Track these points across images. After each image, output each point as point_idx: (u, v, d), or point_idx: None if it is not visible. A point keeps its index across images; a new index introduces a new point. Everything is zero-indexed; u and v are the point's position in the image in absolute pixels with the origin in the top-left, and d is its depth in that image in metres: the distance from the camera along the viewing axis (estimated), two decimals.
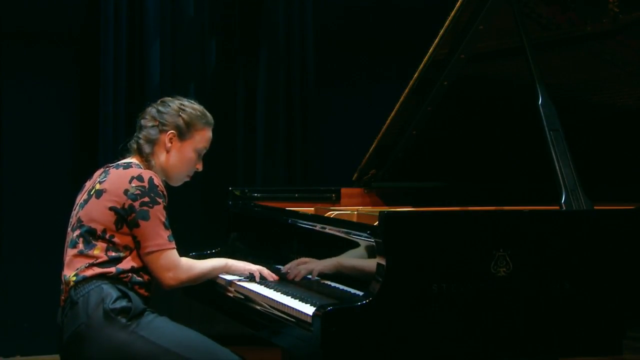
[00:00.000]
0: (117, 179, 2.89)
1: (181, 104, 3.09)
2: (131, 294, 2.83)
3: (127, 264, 2.86)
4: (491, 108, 3.70)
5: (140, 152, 3.04)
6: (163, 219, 2.88)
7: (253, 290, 3.03)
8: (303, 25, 5.40)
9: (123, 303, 2.79)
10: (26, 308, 4.95)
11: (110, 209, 2.85)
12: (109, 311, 2.76)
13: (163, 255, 2.87)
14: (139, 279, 2.88)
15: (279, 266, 3.23)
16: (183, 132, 3.05)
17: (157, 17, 5.09)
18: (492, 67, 3.56)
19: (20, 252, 4.96)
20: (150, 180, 2.88)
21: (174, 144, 3.05)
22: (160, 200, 2.87)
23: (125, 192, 2.85)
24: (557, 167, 2.87)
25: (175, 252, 2.90)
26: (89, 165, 4.96)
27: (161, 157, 3.04)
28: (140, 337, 2.77)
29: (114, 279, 2.82)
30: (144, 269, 2.89)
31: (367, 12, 5.60)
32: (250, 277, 3.15)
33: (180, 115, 3.05)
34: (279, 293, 2.92)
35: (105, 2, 4.99)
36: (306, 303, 2.72)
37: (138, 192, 2.85)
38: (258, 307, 2.92)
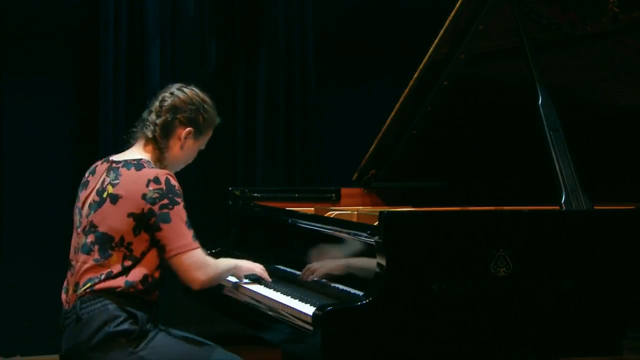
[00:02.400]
0: (132, 184, 2.80)
1: (203, 100, 3.00)
2: (139, 313, 2.77)
3: (138, 273, 2.79)
4: (491, 108, 3.70)
5: (154, 140, 2.93)
6: (185, 219, 2.81)
7: (253, 291, 3.03)
8: (303, 25, 5.40)
9: (126, 326, 2.74)
10: (26, 308, 4.95)
11: (129, 215, 2.78)
12: (111, 334, 2.72)
13: (190, 255, 2.79)
14: (148, 284, 2.80)
15: (279, 266, 3.24)
16: (200, 132, 3.00)
17: (157, 17, 5.10)
18: (492, 67, 3.56)
19: (20, 252, 4.96)
20: (167, 180, 2.81)
21: (189, 140, 2.97)
22: (179, 200, 2.80)
23: (144, 196, 2.77)
24: (557, 167, 2.87)
25: (201, 251, 2.83)
26: (89, 164, 4.97)
27: (174, 149, 2.96)
28: (140, 358, 2.74)
29: (122, 295, 2.76)
30: (153, 272, 2.82)
31: (367, 12, 5.61)
32: (252, 278, 3.14)
33: (201, 114, 2.98)
34: (279, 293, 2.92)
35: (105, 2, 4.99)
36: (306, 303, 2.72)
37: (156, 195, 2.77)
38: (258, 307, 2.92)
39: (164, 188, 2.79)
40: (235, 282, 3.16)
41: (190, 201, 5.05)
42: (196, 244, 2.82)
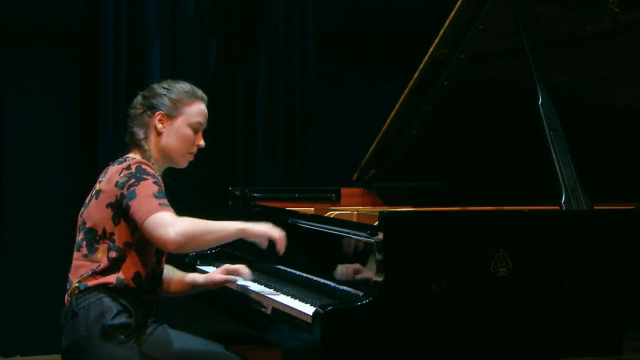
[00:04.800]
0: (111, 175, 2.85)
1: (167, 85, 3.02)
2: (132, 307, 2.78)
3: (128, 270, 2.80)
4: (491, 108, 3.70)
5: (134, 141, 2.98)
6: (152, 191, 2.75)
7: (253, 290, 3.03)
8: (303, 25, 5.40)
9: (122, 319, 2.75)
10: (26, 308, 4.95)
11: (108, 205, 2.81)
12: (108, 327, 2.73)
13: (154, 216, 2.69)
14: (140, 281, 2.81)
15: (279, 266, 3.23)
16: (171, 110, 2.97)
17: (157, 17, 5.10)
18: (492, 67, 3.56)
19: (21, 252, 4.96)
20: (138, 166, 2.82)
21: (165, 123, 2.97)
22: (147, 177, 2.78)
23: (116, 184, 2.80)
24: (557, 167, 2.87)
25: (168, 212, 2.72)
26: (89, 165, 4.99)
27: (154, 140, 2.97)
28: (139, 352, 2.74)
29: (115, 291, 2.78)
30: (144, 268, 2.84)
31: (367, 12, 5.61)
32: (252, 279, 3.12)
33: (165, 95, 2.98)
34: (279, 293, 2.92)
35: (105, 2, 4.99)
36: (306, 303, 2.72)
37: (125, 179, 2.79)
38: (258, 307, 2.92)
39: (133, 171, 2.81)
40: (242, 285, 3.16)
41: (190, 201, 5.09)
42: (163, 208, 2.71)
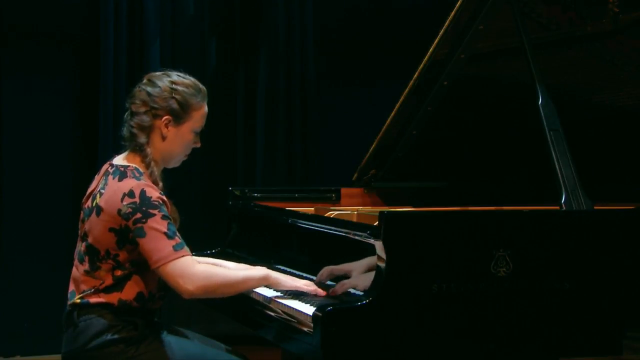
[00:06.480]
0: (111, 196, 2.72)
1: (172, 83, 2.82)
2: (136, 320, 2.75)
3: (131, 290, 2.74)
4: (491, 108, 3.70)
5: (134, 143, 2.81)
6: (163, 229, 2.66)
7: (253, 290, 3.02)
8: (303, 25, 5.40)
9: (124, 333, 2.72)
10: (26, 308, 4.94)
11: (110, 230, 2.71)
12: (108, 341, 2.70)
13: (170, 266, 2.64)
14: (144, 300, 2.76)
15: (279, 266, 3.23)
16: (179, 116, 2.81)
17: (157, 17, 5.10)
18: (492, 67, 3.56)
19: (21, 252, 4.96)
20: (142, 193, 2.69)
21: (171, 129, 2.82)
22: (154, 212, 2.67)
23: (119, 212, 2.68)
24: (557, 167, 2.87)
25: (185, 259, 2.66)
26: (89, 165, 4.99)
27: (158, 145, 2.82)
28: None
29: (118, 311, 2.73)
30: (148, 286, 2.77)
31: (367, 12, 5.61)
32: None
33: (173, 97, 2.80)
34: (279, 293, 2.91)
35: (105, 2, 4.99)
36: (306, 303, 2.72)
37: (129, 210, 2.67)
38: (258, 307, 2.92)
39: (138, 202, 2.68)
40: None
41: (190, 201, 5.10)
42: (178, 253, 2.66)
